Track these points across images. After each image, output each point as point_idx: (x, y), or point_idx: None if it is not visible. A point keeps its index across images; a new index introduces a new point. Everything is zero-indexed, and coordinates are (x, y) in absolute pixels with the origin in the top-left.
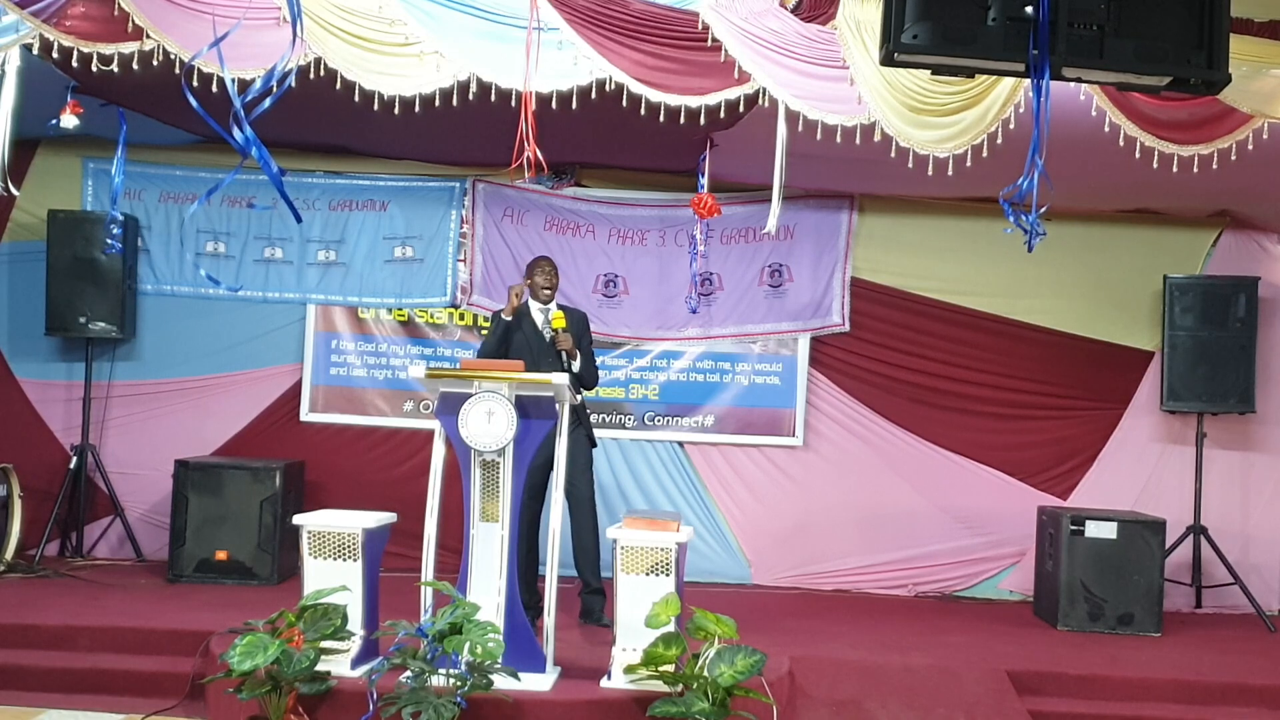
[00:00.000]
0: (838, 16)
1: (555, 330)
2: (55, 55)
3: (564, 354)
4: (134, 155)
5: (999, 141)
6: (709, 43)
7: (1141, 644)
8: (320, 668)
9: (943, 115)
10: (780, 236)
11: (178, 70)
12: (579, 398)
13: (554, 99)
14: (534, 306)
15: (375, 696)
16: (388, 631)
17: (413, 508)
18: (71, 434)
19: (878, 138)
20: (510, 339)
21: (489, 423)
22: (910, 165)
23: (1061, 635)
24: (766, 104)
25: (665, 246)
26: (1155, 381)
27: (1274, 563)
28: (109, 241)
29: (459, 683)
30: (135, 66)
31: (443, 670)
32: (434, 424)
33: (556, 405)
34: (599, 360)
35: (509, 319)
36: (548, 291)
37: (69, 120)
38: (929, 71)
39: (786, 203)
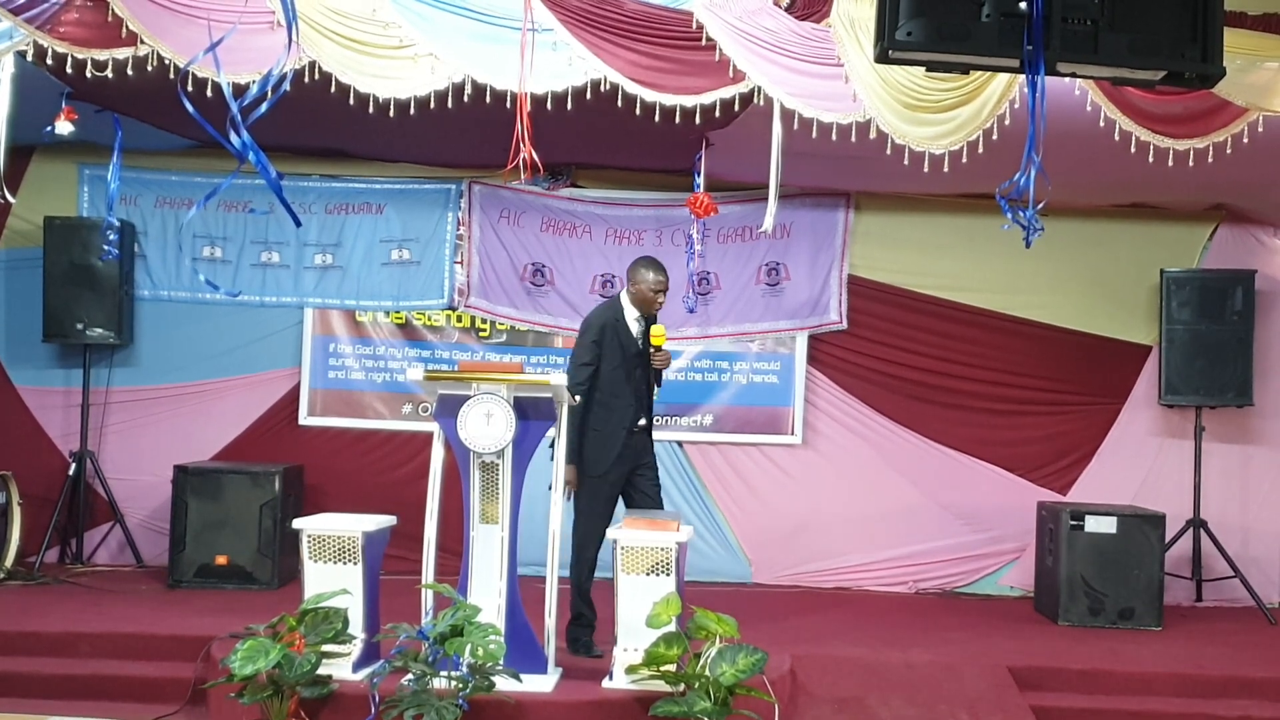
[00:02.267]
0: (832, 14)
1: (655, 347)
2: (49, 61)
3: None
4: (130, 161)
5: (995, 137)
6: (703, 42)
7: (1142, 638)
8: (322, 671)
9: (938, 112)
10: (777, 235)
11: (172, 75)
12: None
13: (549, 100)
14: (630, 314)
15: (377, 699)
16: (389, 634)
17: (412, 510)
18: (70, 440)
19: (873, 135)
20: (603, 353)
21: (488, 424)
22: (906, 162)
23: (1062, 630)
24: (762, 102)
25: (662, 246)
26: (1153, 376)
27: (1274, 555)
28: (105, 247)
29: (461, 685)
30: (130, 72)
31: (444, 672)
32: (433, 426)
33: (555, 406)
34: None
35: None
36: (655, 310)
37: (64, 126)
38: (924, 68)
39: (783, 201)
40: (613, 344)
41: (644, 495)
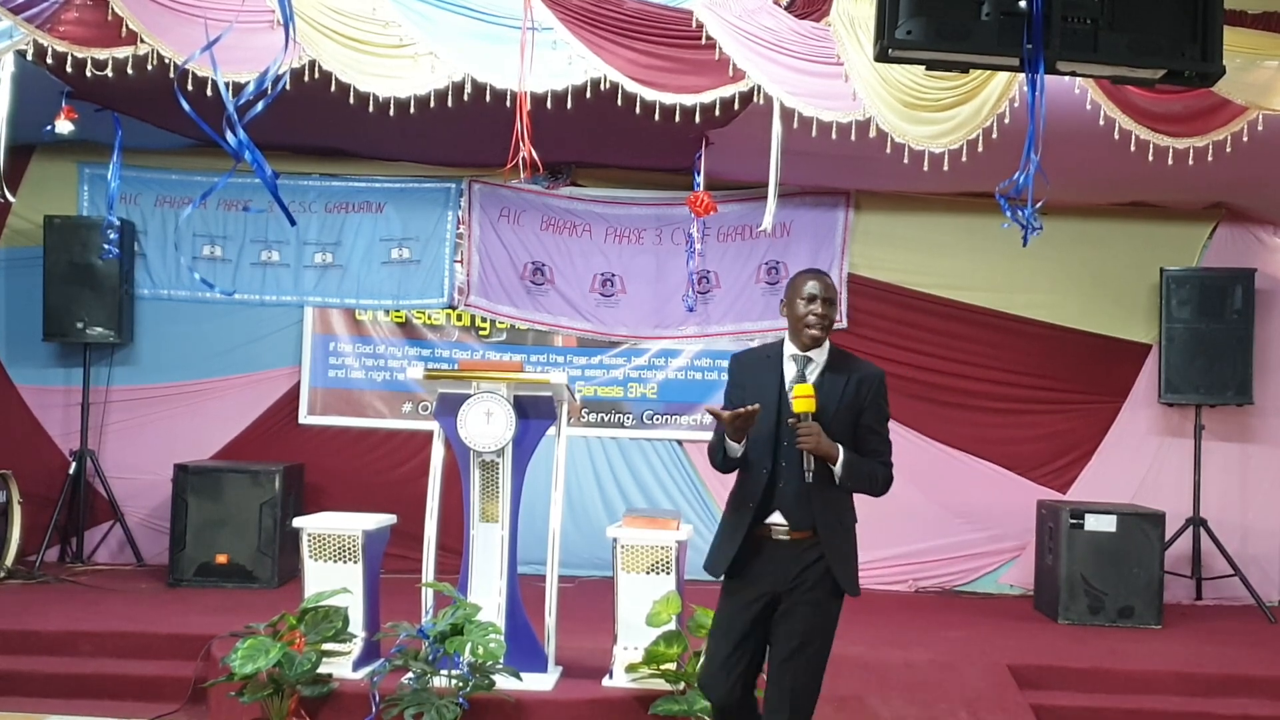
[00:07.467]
0: (831, 13)
1: (795, 415)
2: (49, 60)
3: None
4: (130, 160)
5: (994, 136)
6: (703, 41)
7: (1142, 636)
8: (322, 670)
9: (937, 110)
10: (777, 234)
11: (172, 74)
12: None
13: (549, 99)
14: (788, 349)
15: (377, 698)
16: (389, 633)
17: (412, 509)
18: (70, 439)
19: (873, 134)
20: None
21: (488, 423)
22: (906, 161)
23: (1062, 629)
24: (761, 101)
25: (662, 245)
26: (1153, 374)
27: (1273, 554)
28: (106, 246)
29: (461, 683)
30: (129, 71)
31: (444, 671)
32: (433, 425)
33: (555, 405)
34: (597, 359)
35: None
36: (812, 334)
37: (64, 125)
38: (923, 67)
39: (783, 200)
40: (755, 392)
41: (778, 643)
